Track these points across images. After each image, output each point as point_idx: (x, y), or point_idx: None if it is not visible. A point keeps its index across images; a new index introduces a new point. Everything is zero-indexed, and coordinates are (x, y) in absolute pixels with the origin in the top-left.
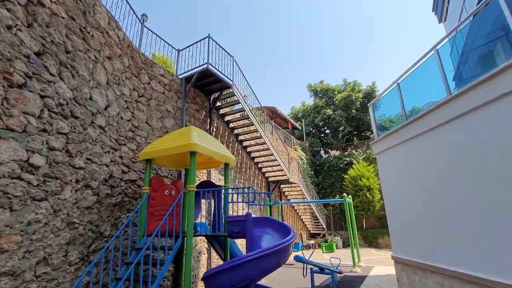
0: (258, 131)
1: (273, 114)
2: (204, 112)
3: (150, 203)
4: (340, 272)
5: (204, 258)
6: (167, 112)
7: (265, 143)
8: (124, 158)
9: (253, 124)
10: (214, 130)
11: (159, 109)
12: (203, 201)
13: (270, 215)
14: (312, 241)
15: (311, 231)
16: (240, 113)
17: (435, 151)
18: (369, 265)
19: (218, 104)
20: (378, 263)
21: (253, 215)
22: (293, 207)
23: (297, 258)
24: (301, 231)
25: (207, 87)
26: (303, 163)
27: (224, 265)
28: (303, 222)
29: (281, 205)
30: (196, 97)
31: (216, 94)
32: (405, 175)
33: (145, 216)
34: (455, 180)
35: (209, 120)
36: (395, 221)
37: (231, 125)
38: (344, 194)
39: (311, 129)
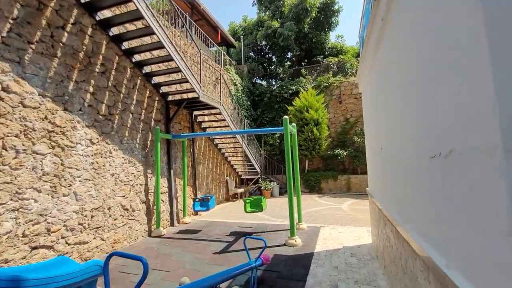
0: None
1: (193, 12)
2: None
3: None
4: (266, 261)
5: None
6: None
7: (154, 33)
8: None
9: None
10: None
11: None
12: None
13: (169, 159)
14: (241, 190)
15: (242, 177)
16: None
17: None
18: (313, 225)
19: None
20: (324, 219)
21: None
22: (217, 146)
23: None
24: (228, 177)
25: None
26: (237, 90)
27: None
28: (232, 166)
29: (195, 142)
30: None
31: None
32: None
33: None
34: None
35: None
36: None
37: None
38: (285, 117)
39: (253, 54)
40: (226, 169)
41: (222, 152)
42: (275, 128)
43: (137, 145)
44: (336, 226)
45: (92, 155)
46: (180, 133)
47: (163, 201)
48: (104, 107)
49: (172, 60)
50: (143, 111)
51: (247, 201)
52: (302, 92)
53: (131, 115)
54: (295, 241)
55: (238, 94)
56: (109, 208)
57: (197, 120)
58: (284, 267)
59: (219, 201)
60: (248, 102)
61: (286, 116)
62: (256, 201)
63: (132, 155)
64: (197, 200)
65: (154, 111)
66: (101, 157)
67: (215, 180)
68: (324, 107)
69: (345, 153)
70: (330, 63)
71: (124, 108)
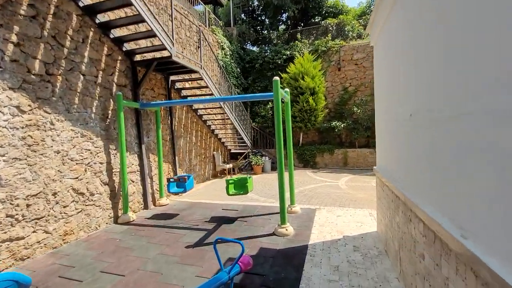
0: None
1: None
2: None
3: None
4: (246, 267)
5: None
6: None
7: None
8: None
9: None
10: None
11: None
12: None
13: (139, 132)
14: (229, 165)
15: (232, 151)
16: None
17: None
18: (307, 207)
19: None
20: (319, 199)
21: None
22: (201, 117)
23: None
24: (215, 152)
25: None
26: (225, 55)
27: None
28: (219, 140)
29: (173, 112)
30: None
31: None
32: None
33: None
34: None
35: None
36: None
37: None
38: (276, 78)
39: (244, 16)
40: (213, 143)
41: (208, 124)
42: (264, 93)
43: (93, 115)
44: (334, 208)
45: (22, 128)
46: (151, 101)
47: (132, 181)
48: (38, 64)
49: (131, 4)
50: (100, 72)
51: (230, 181)
52: (297, 58)
53: (82, 77)
54: (286, 229)
55: (226, 59)
56: (54, 194)
57: (176, 87)
58: (271, 268)
59: (205, 178)
60: (238, 69)
61: (276, 77)
62: (241, 182)
63: (86, 128)
64: (172, 180)
65: (117, 73)
66: (38, 129)
67: (200, 155)
68: (321, 74)
69: (342, 126)
70: (329, 25)
71: (71, 67)
